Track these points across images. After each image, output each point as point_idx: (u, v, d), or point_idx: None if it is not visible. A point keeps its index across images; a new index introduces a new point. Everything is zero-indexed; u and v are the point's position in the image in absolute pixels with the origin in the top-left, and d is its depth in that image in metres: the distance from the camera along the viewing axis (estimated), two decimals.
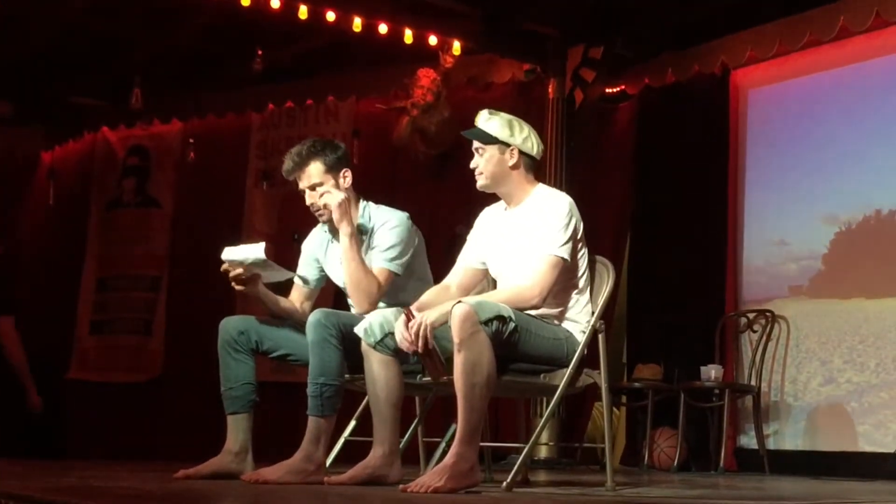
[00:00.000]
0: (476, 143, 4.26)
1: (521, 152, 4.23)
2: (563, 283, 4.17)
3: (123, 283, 9.48)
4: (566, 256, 4.10)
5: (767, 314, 7.25)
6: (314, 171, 4.58)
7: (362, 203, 4.66)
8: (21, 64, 8.56)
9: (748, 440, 7.26)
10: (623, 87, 8.02)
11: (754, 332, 7.28)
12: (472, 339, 3.80)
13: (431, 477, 3.77)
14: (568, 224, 4.13)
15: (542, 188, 4.29)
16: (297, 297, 4.75)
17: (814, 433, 7.01)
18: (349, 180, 4.62)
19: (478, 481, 3.88)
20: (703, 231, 7.66)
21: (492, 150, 4.24)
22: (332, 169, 4.59)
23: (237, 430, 4.52)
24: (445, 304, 4.01)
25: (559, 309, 4.20)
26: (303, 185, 4.61)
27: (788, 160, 7.42)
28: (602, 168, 8.11)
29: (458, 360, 3.82)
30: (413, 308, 4.07)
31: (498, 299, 3.97)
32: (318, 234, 4.77)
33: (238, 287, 4.51)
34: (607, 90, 8.02)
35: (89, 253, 9.66)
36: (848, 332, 6.96)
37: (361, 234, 4.60)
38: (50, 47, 8.33)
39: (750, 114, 7.68)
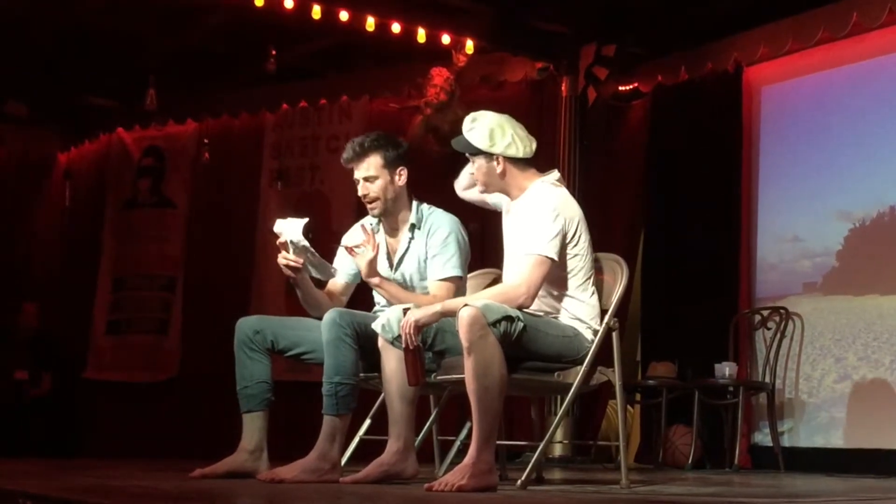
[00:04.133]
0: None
1: (506, 158, 4.20)
2: (558, 280, 4.15)
3: (139, 283, 9.51)
4: (551, 255, 4.06)
5: (781, 311, 7.23)
6: (372, 163, 4.62)
7: (415, 203, 4.69)
8: (36, 65, 8.59)
9: (762, 437, 7.25)
10: (636, 84, 8.01)
11: (768, 329, 7.27)
12: (482, 341, 3.80)
13: (453, 475, 3.79)
14: (552, 222, 4.09)
15: (535, 186, 4.23)
16: (333, 291, 4.76)
17: (828, 430, 7.00)
18: (404, 178, 4.66)
19: (496, 483, 3.89)
20: (717, 228, 7.64)
21: (479, 161, 4.24)
22: (390, 165, 4.63)
23: (252, 428, 4.55)
24: (435, 304, 4.06)
25: (561, 307, 4.18)
26: (358, 174, 4.64)
27: (802, 157, 7.40)
28: (615, 166, 8.11)
29: (469, 364, 3.82)
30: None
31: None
32: (357, 231, 4.76)
33: (283, 262, 4.49)
34: (620, 88, 8.01)
35: (105, 253, 9.69)
36: (862, 328, 6.95)
37: (413, 231, 4.62)
38: (64, 48, 8.37)
39: (763, 110, 7.67)
